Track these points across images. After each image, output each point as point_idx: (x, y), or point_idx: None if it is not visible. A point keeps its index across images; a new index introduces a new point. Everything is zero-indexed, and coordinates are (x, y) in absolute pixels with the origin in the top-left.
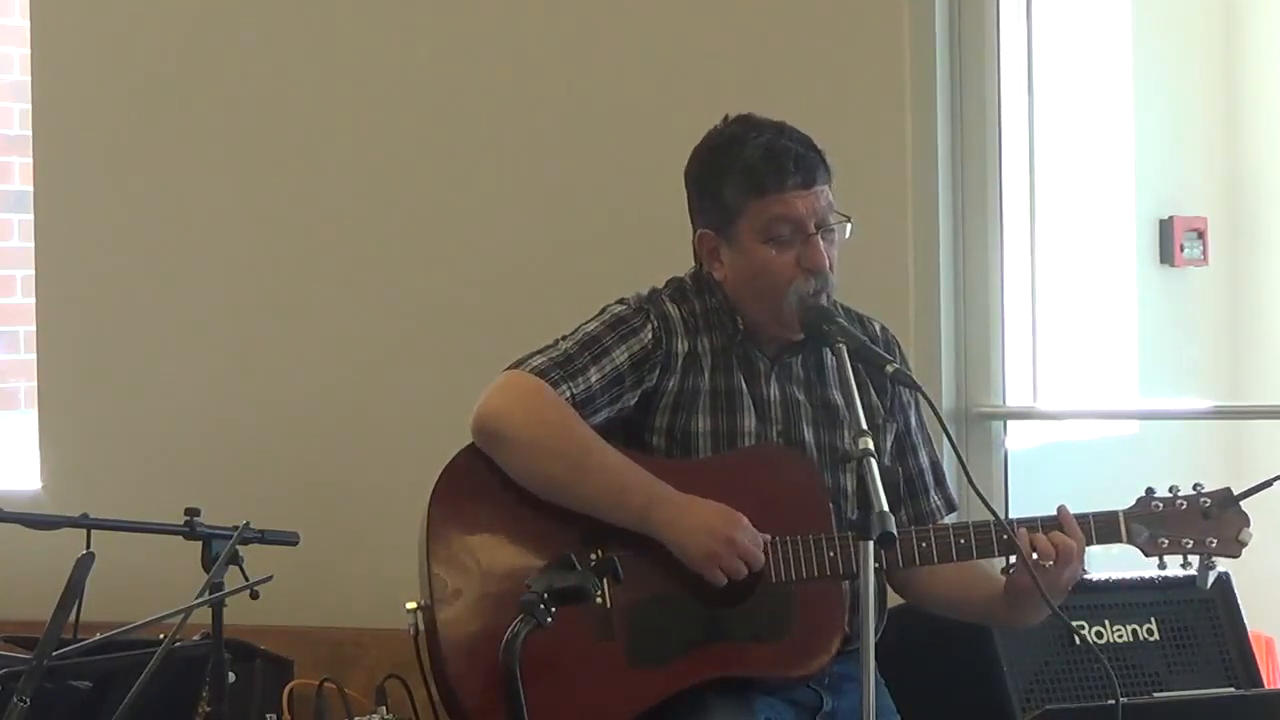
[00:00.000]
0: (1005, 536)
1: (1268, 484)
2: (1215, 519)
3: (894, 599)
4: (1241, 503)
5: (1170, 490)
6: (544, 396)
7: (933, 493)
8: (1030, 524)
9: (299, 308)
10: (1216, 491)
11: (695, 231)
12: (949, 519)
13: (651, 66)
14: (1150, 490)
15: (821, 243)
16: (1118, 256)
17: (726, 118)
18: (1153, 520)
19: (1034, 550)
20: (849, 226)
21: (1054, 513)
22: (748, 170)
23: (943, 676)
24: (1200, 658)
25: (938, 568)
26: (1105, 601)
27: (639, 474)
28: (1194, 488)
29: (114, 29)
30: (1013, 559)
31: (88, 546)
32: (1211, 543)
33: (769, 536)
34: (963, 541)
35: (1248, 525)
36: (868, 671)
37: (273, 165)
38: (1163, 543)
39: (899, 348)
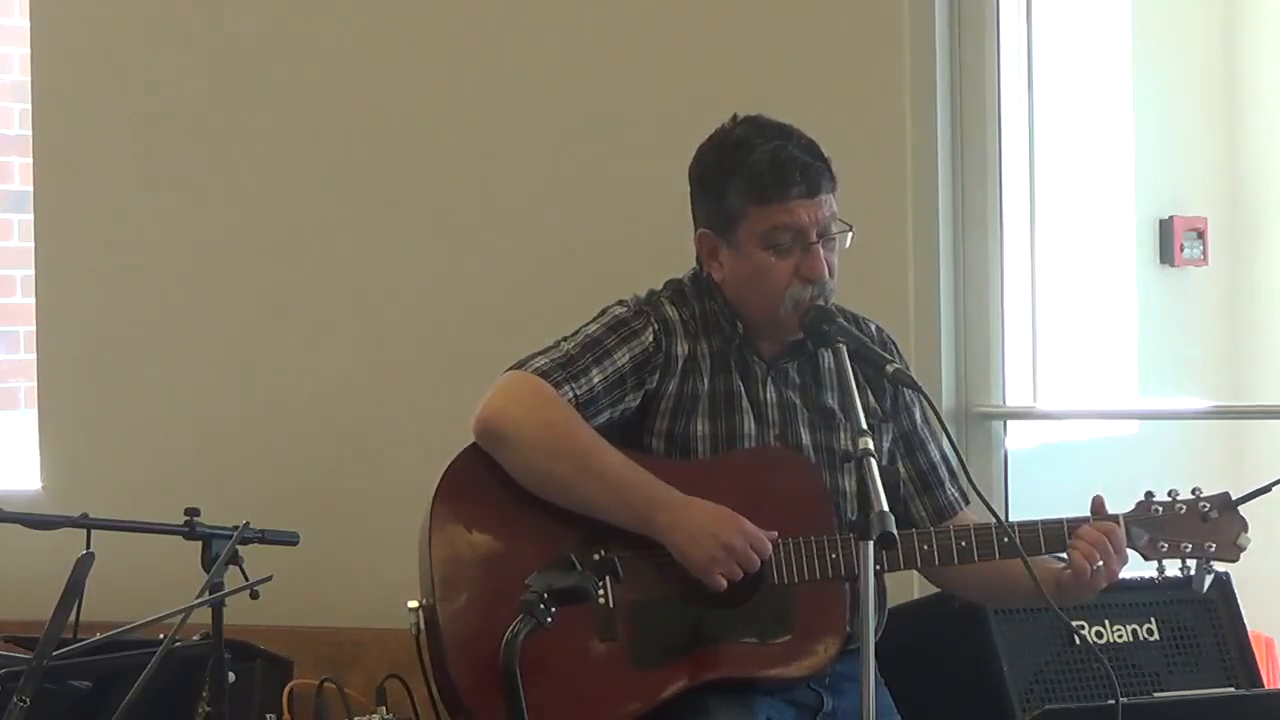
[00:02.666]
0: (1006, 539)
1: (1266, 489)
2: (1214, 523)
3: (894, 599)
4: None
5: (1169, 494)
6: (547, 397)
7: (949, 485)
8: (1053, 524)
9: (299, 308)
10: (1215, 495)
11: (696, 230)
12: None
13: (651, 67)
14: (1149, 494)
15: (822, 250)
16: (1118, 256)
17: (735, 117)
18: (1152, 524)
19: (1084, 545)
20: (850, 235)
21: (1060, 516)
22: (753, 176)
23: (943, 677)
24: (1200, 658)
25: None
26: (1105, 601)
27: (641, 476)
28: (1193, 492)
29: (114, 29)
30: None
31: (88, 546)
32: (1210, 547)
33: (775, 534)
34: (964, 544)
35: (1246, 530)
36: (868, 671)
37: (272, 166)
38: (1162, 546)
39: (896, 347)
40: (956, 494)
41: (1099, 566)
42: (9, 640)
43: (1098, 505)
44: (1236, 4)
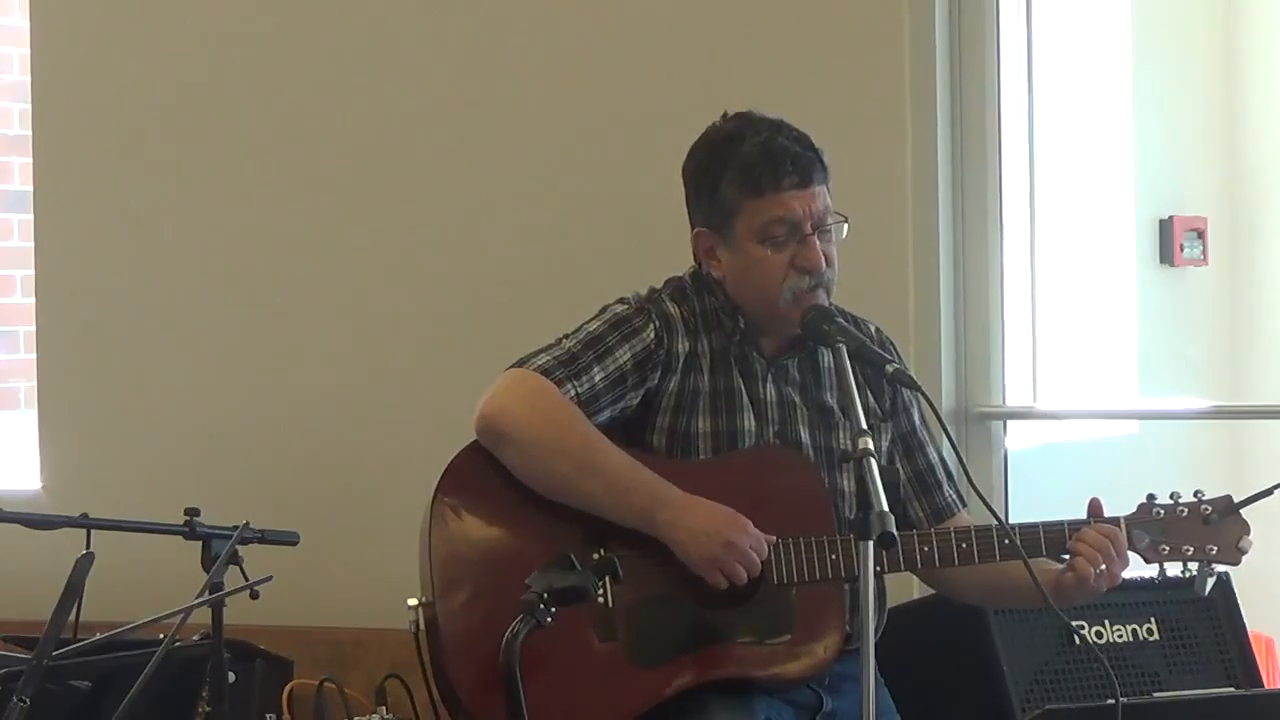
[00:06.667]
0: (1007, 541)
1: (1268, 492)
2: (1216, 526)
3: (894, 599)
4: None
5: (1171, 497)
6: (549, 395)
7: (946, 487)
8: (1054, 527)
9: (299, 307)
10: (1217, 499)
11: (692, 229)
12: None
13: (652, 68)
14: (1152, 496)
15: (818, 242)
16: (1118, 256)
17: (725, 114)
18: (1154, 527)
19: (1088, 549)
20: (846, 226)
21: (1068, 517)
22: (744, 169)
23: (943, 677)
24: (1200, 658)
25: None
26: (1105, 601)
27: (643, 474)
28: (1195, 494)
29: (114, 28)
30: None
31: (88, 546)
32: (1212, 550)
33: (773, 538)
34: (964, 546)
35: (1248, 533)
36: (868, 671)
37: (272, 165)
38: (1164, 549)
39: (895, 349)
40: (954, 496)
41: (1101, 570)
42: (9, 640)
43: (1095, 509)
44: (1236, 4)
